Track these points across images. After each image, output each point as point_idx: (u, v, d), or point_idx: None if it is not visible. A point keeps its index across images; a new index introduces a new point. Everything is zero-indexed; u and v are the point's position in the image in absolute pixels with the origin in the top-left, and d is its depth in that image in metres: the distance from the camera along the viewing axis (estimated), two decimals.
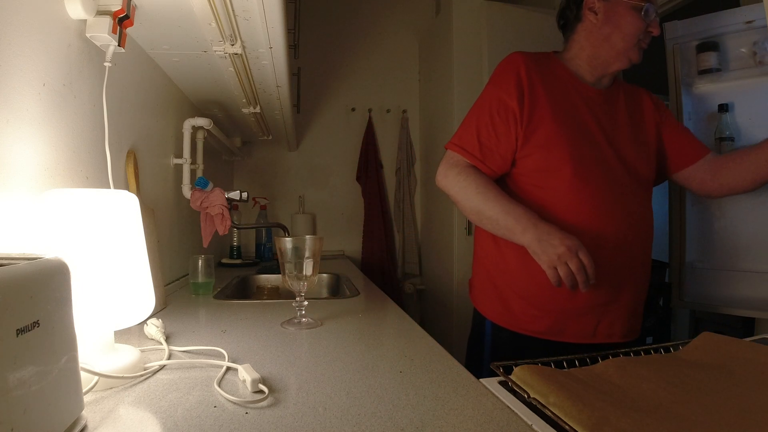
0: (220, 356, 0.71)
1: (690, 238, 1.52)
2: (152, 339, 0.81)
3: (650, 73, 2.05)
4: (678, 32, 1.42)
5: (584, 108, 1.03)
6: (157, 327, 0.81)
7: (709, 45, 1.35)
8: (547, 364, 0.64)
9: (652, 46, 1.08)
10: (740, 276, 1.34)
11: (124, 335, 0.83)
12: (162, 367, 0.67)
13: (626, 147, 1.04)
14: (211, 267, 1.31)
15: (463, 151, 1.04)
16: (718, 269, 1.40)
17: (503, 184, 1.06)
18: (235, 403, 0.55)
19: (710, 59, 1.36)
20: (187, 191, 1.45)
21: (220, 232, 1.45)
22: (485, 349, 1.09)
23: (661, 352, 0.71)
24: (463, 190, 1.01)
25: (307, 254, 0.95)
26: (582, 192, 0.97)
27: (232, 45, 1.08)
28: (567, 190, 0.98)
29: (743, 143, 1.35)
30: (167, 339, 0.80)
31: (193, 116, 1.47)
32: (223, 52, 1.12)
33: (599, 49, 1.03)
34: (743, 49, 1.32)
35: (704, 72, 1.37)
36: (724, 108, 1.36)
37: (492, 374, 0.63)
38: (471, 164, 1.03)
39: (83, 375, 0.49)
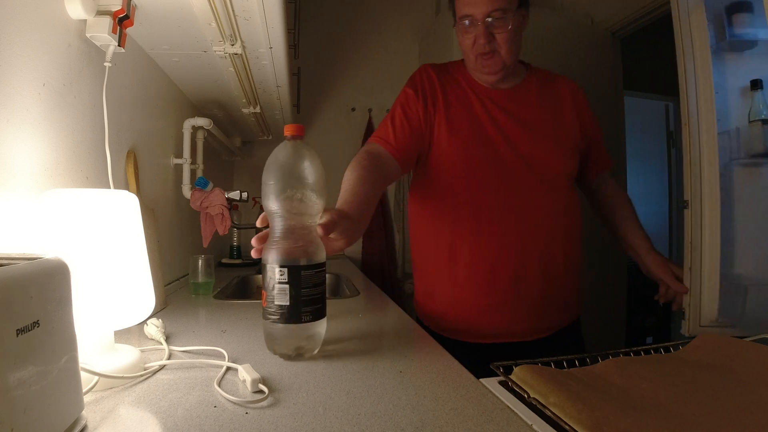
0: (220, 356, 0.71)
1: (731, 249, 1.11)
2: (152, 339, 0.81)
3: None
4: None
5: (480, 110, 1.04)
6: (157, 327, 0.81)
7: (742, 5, 1.12)
8: (547, 364, 0.64)
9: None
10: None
11: (124, 335, 0.83)
12: (162, 367, 0.67)
13: (531, 144, 1.02)
14: (211, 267, 1.31)
15: (376, 138, 1.05)
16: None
17: (433, 186, 1.08)
18: (235, 403, 0.55)
19: (742, 22, 1.12)
20: (187, 191, 1.45)
21: (220, 232, 1.45)
22: None
23: (661, 352, 0.71)
24: (347, 171, 0.98)
25: None
26: (472, 191, 1.00)
27: (232, 45, 1.08)
28: (461, 190, 1.01)
29: None
30: (167, 339, 0.80)
31: (193, 116, 1.47)
32: (223, 52, 1.12)
33: (467, 62, 1.07)
34: None
35: (735, 39, 1.13)
36: (757, 84, 1.13)
37: (492, 374, 0.63)
38: (369, 150, 1.01)
39: (83, 375, 0.49)
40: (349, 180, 0.89)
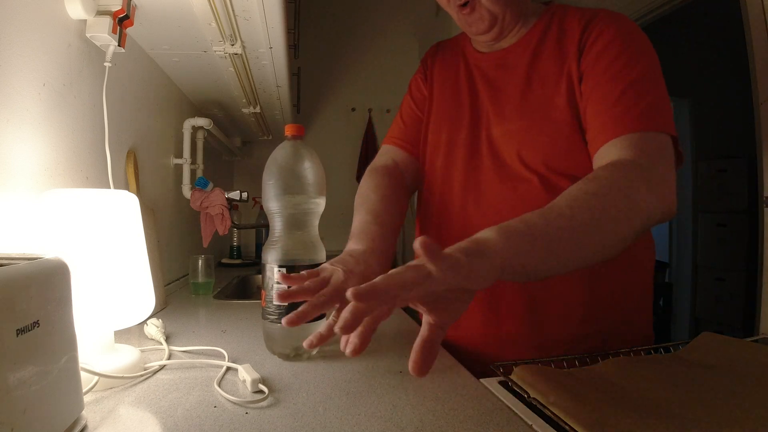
0: (220, 356, 0.71)
1: None
2: (152, 339, 0.81)
3: None
4: None
5: (465, 83, 0.86)
6: (157, 327, 0.81)
7: None
8: (547, 364, 0.64)
9: None
10: None
11: (124, 335, 0.83)
12: (162, 367, 0.67)
13: (503, 124, 0.79)
14: (211, 267, 1.31)
15: (388, 138, 0.97)
16: None
17: (423, 182, 0.96)
18: (235, 403, 0.55)
19: None
20: (187, 191, 1.45)
21: (220, 232, 1.45)
22: None
23: (661, 352, 0.71)
24: (358, 193, 0.90)
25: None
26: (435, 183, 0.87)
27: (232, 45, 1.08)
28: (433, 182, 0.89)
29: None
30: (167, 339, 0.80)
31: (193, 116, 1.47)
32: (223, 52, 1.12)
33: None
34: None
35: None
36: None
37: (492, 374, 0.63)
38: (384, 164, 0.92)
39: (83, 375, 0.49)
40: (361, 206, 0.85)
